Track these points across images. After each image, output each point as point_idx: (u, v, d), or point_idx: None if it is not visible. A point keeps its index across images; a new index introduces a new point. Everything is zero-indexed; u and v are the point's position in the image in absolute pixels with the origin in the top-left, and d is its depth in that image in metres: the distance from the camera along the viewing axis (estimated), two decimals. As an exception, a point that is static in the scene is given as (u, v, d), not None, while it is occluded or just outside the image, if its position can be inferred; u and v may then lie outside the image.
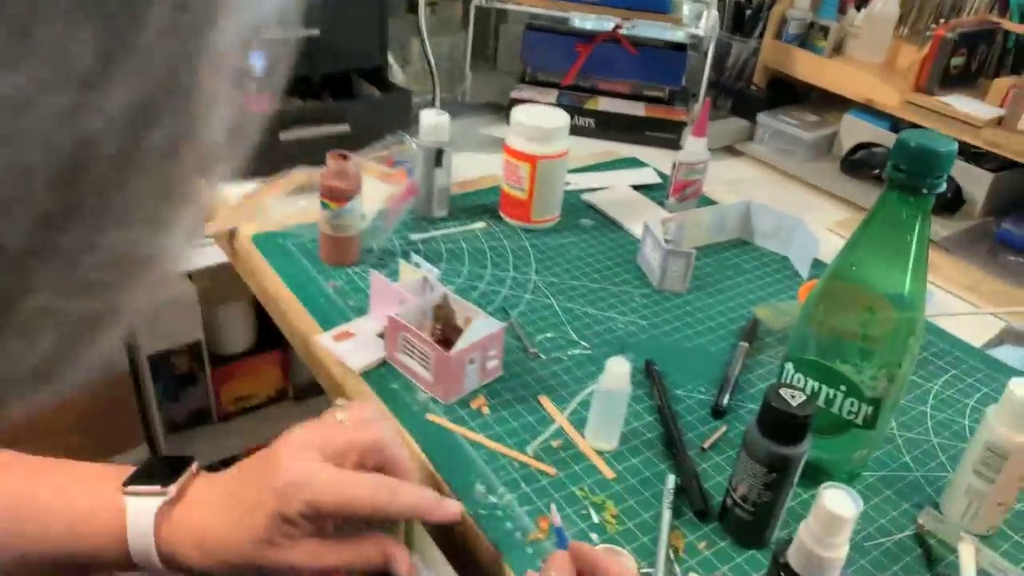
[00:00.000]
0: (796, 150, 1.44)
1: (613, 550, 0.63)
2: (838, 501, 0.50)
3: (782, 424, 0.62)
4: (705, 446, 0.78)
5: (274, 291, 0.96)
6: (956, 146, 0.61)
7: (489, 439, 0.76)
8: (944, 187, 0.61)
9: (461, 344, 0.77)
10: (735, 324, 0.97)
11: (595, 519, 0.69)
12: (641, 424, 0.80)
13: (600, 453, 0.76)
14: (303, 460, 0.55)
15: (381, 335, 0.83)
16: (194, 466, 0.59)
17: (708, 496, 0.72)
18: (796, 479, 0.65)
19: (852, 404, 0.69)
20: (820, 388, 0.70)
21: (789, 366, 0.72)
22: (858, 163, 1.40)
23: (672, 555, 0.67)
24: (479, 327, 0.78)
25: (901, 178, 0.61)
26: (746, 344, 0.91)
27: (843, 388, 0.69)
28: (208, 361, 1.54)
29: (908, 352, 0.67)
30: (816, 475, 0.74)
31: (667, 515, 0.69)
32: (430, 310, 0.85)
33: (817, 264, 1.09)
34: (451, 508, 0.59)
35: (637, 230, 1.13)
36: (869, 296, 0.67)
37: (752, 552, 0.68)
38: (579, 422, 0.79)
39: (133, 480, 0.57)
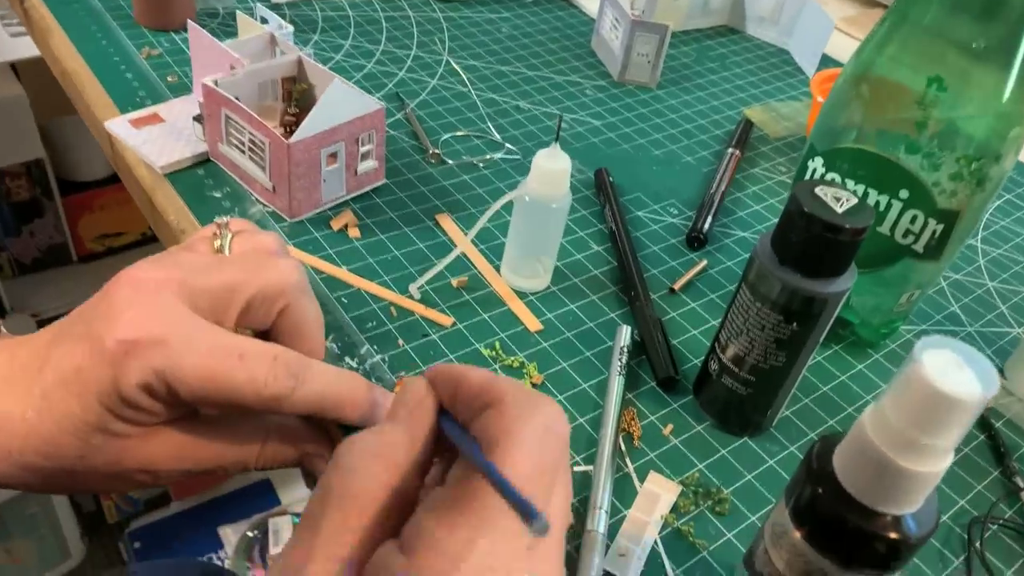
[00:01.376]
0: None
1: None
2: (952, 372, 0.26)
3: (818, 243, 0.37)
4: (675, 287, 0.53)
5: (71, 66, 0.66)
6: None
7: (355, 274, 0.50)
8: None
9: (311, 125, 0.49)
10: (719, 129, 0.71)
11: (509, 391, 0.45)
12: (585, 256, 0.55)
13: (522, 296, 0.51)
14: (153, 307, 0.31)
15: (200, 118, 0.55)
16: None
17: (678, 358, 0.48)
18: (825, 333, 0.41)
19: (914, 219, 0.44)
20: (866, 194, 0.45)
21: (816, 163, 0.47)
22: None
23: (623, 445, 0.43)
24: (342, 100, 0.50)
25: None
26: (736, 151, 0.65)
27: (903, 195, 0.43)
28: (57, 188, 1.24)
29: (1009, 145, 0.42)
30: (832, 327, 0.51)
31: (617, 385, 0.45)
32: (276, 83, 0.56)
33: (827, 60, 0.83)
34: (386, 401, 0.37)
35: (592, 7, 0.84)
36: (952, 62, 0.41)
37: (743, 440, 0.45)
38: (494, 252, 0.54)
39: None
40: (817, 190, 0.38)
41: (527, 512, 0.22)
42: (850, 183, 0.45)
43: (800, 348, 0.41)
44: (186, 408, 0.33)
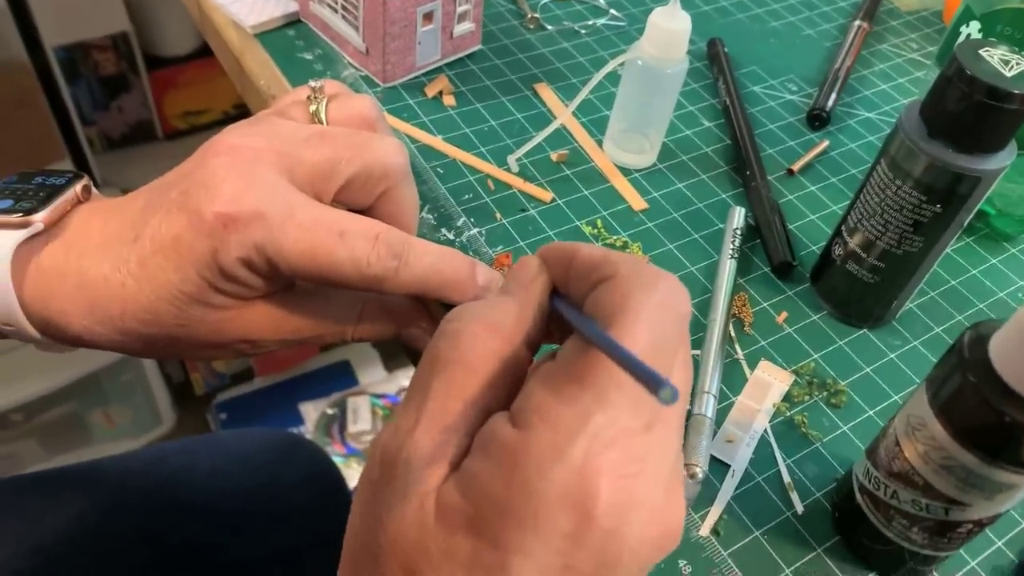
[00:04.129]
0: None
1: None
2: None
3: (980, 110, 0.33)
4: (794, 168, 0.49)
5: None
6: None
7: (450, 144, 0.48)
8: None
9: (408, -19, 0.46)
10: (844, 0, 0.64)
11: (611, 271, 0.42)
12: (695, 132, 0.51)
13: (626, 172, 0.48)
14: (252, 179, 0.30)
15: (290, -25, 0.52)
16: (78, 186, 0.33)
17: (795, 244, 0.45)
18: (970, 218, 0.37)
19: (1085, 93, 0.39)
20: (1031, 63, 0.39)
21: (971, 27, 0.41)
22: None
23: (733, 331, 0.41)
24: (440, -45, 0.47)
25: None
26: (864, 24, 0.59)
27: (1077, 63, 0.38)
28: (143, 63, 1.23)
29: None
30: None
31: (729, 268, 0.42)
32: (370, -63, 0.53)
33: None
34: (488, 281, 0.34)
35: None
36: None
37: (863, 332, 0.42)
38: (596, 126, 0.50)
39: None
40: (982, 51, 0.34)
41: (653, 380, 0.20)
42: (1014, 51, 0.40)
43: (940, 233, 0.37)
44: (285, 282, 0.32)
